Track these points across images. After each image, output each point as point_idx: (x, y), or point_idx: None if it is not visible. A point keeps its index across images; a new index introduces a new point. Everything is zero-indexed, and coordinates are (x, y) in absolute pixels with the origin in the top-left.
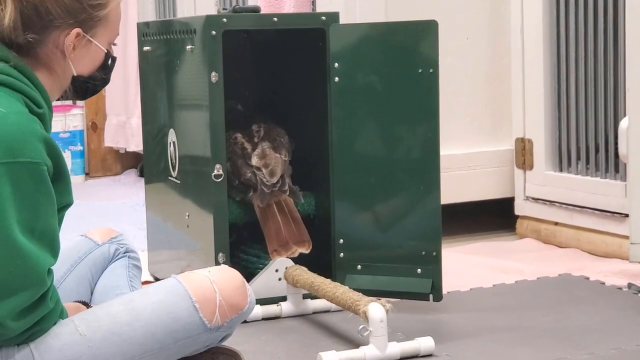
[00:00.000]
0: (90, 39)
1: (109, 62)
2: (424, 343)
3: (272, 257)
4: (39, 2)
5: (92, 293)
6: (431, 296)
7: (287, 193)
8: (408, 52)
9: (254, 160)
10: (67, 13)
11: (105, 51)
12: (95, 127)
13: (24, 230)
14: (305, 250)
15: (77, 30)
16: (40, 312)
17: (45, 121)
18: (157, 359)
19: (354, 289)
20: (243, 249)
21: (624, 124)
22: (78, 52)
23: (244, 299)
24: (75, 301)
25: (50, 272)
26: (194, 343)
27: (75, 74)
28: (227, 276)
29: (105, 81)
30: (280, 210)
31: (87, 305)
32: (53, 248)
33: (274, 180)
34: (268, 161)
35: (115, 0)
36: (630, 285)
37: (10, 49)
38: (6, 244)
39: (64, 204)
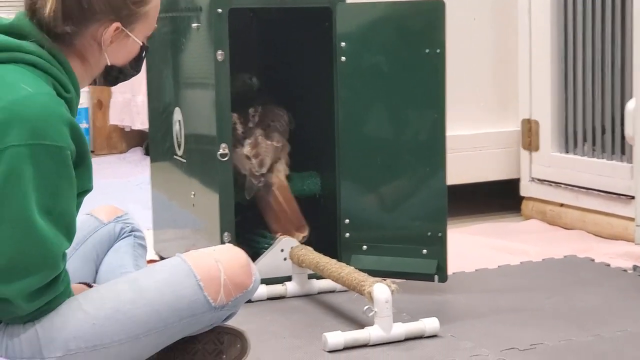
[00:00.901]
0: (129, 33)
1: (143, 54)
2: (429, 324)
3: (276, 236)
4: None
5: (96, 272)
6: (436, 277)
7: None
8: (415, 33)
9: (246, 150)
10: (109, 8)
11: (141, 44)
12: (100, 104)
13: (42, 212)
14: (304, 234)
15: (116, 24)
16: (51, 294)
17: (72, 106)
18: (161, 337)
19: (360, 270)
20: (248, 228)
21: (630, 105)
22: (115, 45)
23: (248, 277)
24: (79, 283)
25: (64, 255)
26: (198, 322)
27: (109, 64)
28: (232, 255)
29: (137, 71)
30: (275, 199)
31: (90, 287)
32: (69, 232)
33: (264, 170)
34: (259, 150)
35: None
36: (635, 268)
37: (47, 35)
38: (24, 225)
39: (84, 190)
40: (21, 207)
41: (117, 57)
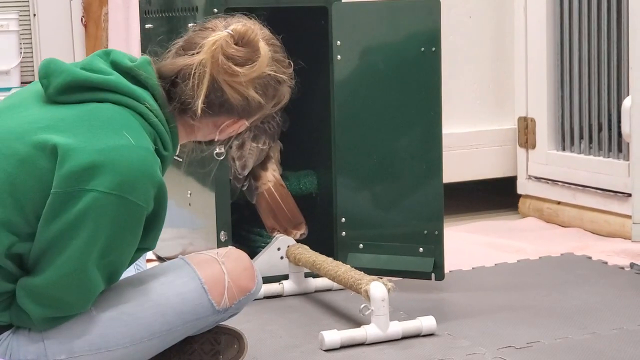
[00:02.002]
0: (248, 124)
1: (245, 130)
2: (426, 322)
3: (272, 234)
4: (230, 96)
5: None
6: (433, 275)
7: (245, 188)
8: (410, 31)
9: (233, 151)
10: (247, 111)
11: (249, 125)
12: None
13: (97, 258)
14: (303, 232)
15: (244, 122)
16: (69, 320)
17: (166, 164)
18: (164, 340)
19: (356, 268)
20: (245, 227)
21: (627, 102)
22: (229, 130)
23: (252, 280)
24: None
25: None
26: (200, 324)
27: (216, 140)
28: (235, 258)
29: (229, 141)
30: (272, 197)
31: None
32: (110, 279)
33: (245, 173)
34: (243, 153)
35: (283, 99)
36: (632, 265)
37: (167, 98)
38: (78, 265)
39: (145, 247)
40: (83, 248)
41: (226, 136)
